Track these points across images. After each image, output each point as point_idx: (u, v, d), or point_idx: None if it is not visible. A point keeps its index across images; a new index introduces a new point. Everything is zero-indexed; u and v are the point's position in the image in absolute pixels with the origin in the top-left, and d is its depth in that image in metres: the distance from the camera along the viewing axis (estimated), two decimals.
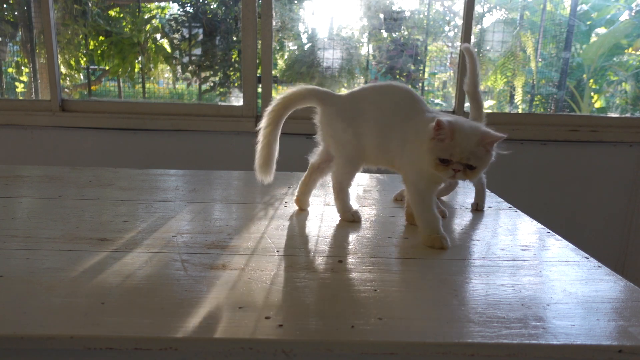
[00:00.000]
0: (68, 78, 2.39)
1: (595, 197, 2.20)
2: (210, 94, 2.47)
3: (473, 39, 2.17)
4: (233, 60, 2.40)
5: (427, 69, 2.52)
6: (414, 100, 0.93)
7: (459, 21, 2.27)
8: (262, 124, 0.99)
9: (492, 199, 1.24)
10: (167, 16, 2.48)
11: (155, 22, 2.46)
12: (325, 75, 2.39)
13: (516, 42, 2.46)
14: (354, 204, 1.09)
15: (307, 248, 0.86)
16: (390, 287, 0.70)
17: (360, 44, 2.47)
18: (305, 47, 2.44)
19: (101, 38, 2.41)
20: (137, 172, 1.43)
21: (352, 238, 0.92)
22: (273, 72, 2.14)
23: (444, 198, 1.23)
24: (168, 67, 2.49)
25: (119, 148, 2.13)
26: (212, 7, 2.43)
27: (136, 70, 2.44)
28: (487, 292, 0.69)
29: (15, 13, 2.36)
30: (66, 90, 2.38)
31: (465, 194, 1.30)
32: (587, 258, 0.84)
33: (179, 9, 2.47)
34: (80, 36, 2.38)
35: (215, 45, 2.40)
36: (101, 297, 0.64)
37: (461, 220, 1.06)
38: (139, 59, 2.41)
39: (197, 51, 2.43)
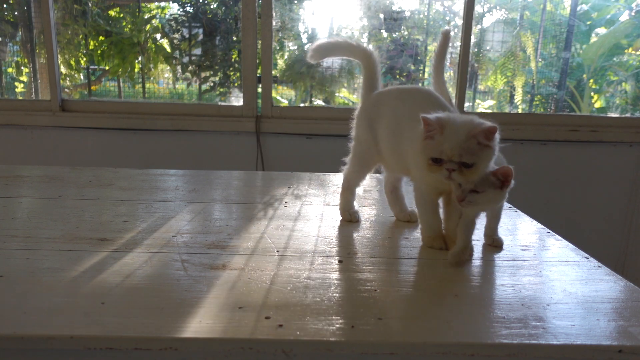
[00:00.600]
0: (68, 78, 2.39)
1: (595, 197, 2.20)
2: (210, 94, 2.47)
3: (473, 39, 2.17)
4: (233, 60, 2.40)
5: (427, 69, 2.52)
6: (432, 104, 0.87)
7: (459, 21, 2.27)
8: None
9: None
10: (167, 16, 2.48)
11: (155, 22, 2.46)
12: (325, 75, 2.39)
13: (516, 42, 2.46)
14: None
15: (307, 248, 0.86)
16: (390, 287, 0.70)
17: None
18: (305, 47, 2.44)
19: (101, 38, 2.41)
20: (137, 172, 1.43)
21: (352, 238, 0.92)
22: (273, 72, 2.14)
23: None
24: (168, 67, 2.49)
25: (119, 148, 2.13)
26: (212, 7, 2.43)
27: (136, 70, 2.44)
28: (487, 292, 0.69)
29: (15, 13, 2.36)
30: (66, 90, 2.38)
31: None
32: (587, 258, 0.84)
33: (179, 9, 2.47)
34: (80, 36, 2.38)
35: (215, 45, 2.40)
36: (101, 297, 0.64)
37: None
38: (139, 59, 2.41)
39: (197, 51, 2.43)
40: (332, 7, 2.40)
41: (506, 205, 1.18)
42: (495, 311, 0.63)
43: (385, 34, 2.43)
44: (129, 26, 2.41)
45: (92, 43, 2.43)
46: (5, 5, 2.35)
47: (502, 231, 0.99)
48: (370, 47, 1.01)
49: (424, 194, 0.87)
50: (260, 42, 2.09)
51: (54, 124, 2.10)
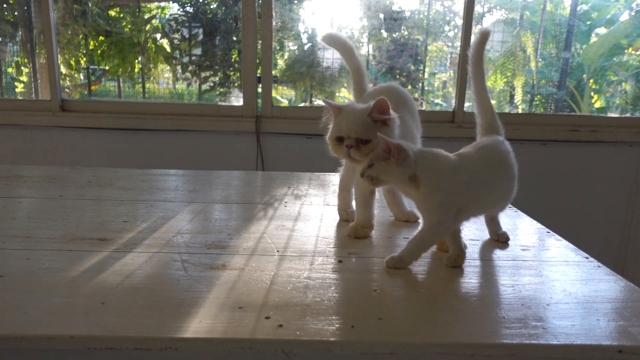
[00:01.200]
0: (68, 78, 2.39)
1: (595, 197, 2.20)
2: (210, 94, 2.47)
3: (473, 39, 2.17)
4: (233, 60, 2.40)
5: (427, 69, 2.52)
6: (398, 102, 0.92)
7: (459, 21, 2.28)
8: None
9: None
10: (167, 16, 2.48)
11: (155, 22, 2.46)
12: (325, 75, 2.39)
13: (516, 42, 2.46)
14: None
15: (307, 248, 0.86)
16: (390, 287, 0.70)
17: (360, 44, 2.47)
18: (305, 47, 2.44)
19: (101, 38, 2.41)
20: (137, 172, 1.43)
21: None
22: (273, 72, 2.14)
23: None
24: (168, 67, 2.49)
25: (119, 148, 2.13)
26: (212, 7, 2.43)
27: (136, 70, 2.44)
28: (487, 292, 0.69)
29: (15, 13, 2.36)
30: (66, 90, 2.38)
31: None
32: (587, 258, 0.84)
33: (179, 9, 2.47)
34: (80, 36, 2.38)
35: (215, 45, 2.40)
36: (101, 297, 0.64)
37: None
38: (139, 59, 2.41)
39: (197, 51, 2.43)
40: (332, 7, 2.40)
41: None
42: (495, 311, 0.63)
43: (385, 34, 2.43)
44: (129, 26, 2.41)
45: (92, 43, 2.43)
46: (5, 5, 2.35)
47: None
48: (371, 47, 1.01)
49: (358, 187, 0.93)
50: (260, 42, 2.09)
51: (54, 124, 2.10)
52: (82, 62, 2.42)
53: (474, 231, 0.97)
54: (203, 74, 2.46)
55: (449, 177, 0.75)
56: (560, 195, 2.20)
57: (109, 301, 0.63)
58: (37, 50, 2.31)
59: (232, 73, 2.42)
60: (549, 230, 0.99)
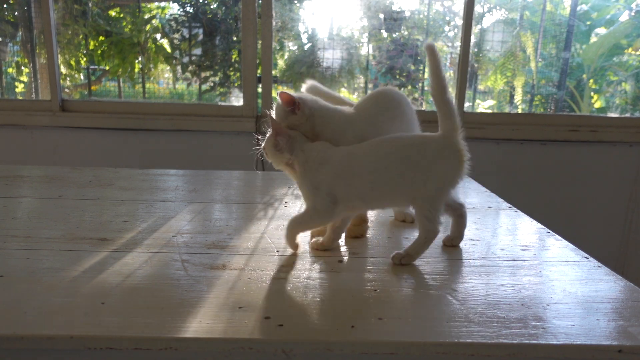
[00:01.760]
0: (68, 78, 2.39)
1: (595, 197, 2.20)
2: (210, 94, 2.47)
3: (473, 39, 2.17)
4: (233, 60, 2.40)
5: (427, 69, 2.52)
6: (388, 105, 0.93)
7: (459, 21, 2.28)
8: None
9: (492, 199, 1.24)
10: (167, 16, 2.48)
11: (155, 22, 2.46)
12: (325, 75, 2.39)
13: (516, 42, 2.46)
14: None
15: (307, 248, 0.86)
16: (390, 287, 0.70)
17: (360, 44, 2.47)
18: (305, 47, 2.44)
19: (101, 38, 2.41)
20: (137, 172, 1.43)
21: (352, 239, 0.92)
22: (273, 72, 2.14)
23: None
24: (168, 67, 2.49)
25: (119, 148, 2.13)
26: (212, 7, 2.43)
27: (136, 70, 2.44)
28: (487, 292, 0.69)
29: (16, 13, 2.36)
30: (66, 90, 2.38)
31: (465, 194, 1.30)
32: (587, 258, 0.84)
33: (179, 9, 2.47)
34: (81, 36, 2.38)
35: (215, 45, 2.40)
36: (101, 297, 0.64)
37: None
38: (139, 59, 2.41)
39: (197, 51, 2.43)
40: (332, 7, 2.40)
41: (506, 205, 1.18)
42: (495, 311, 0.63)
43: (385, 34, 2.43)
44: (129, 26, 2.41)
45: (92, 43, 2.43)
46: (5, 5, 2.35)
47: (502, 231, 0.99)
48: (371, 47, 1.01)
49: None
50: (260, 42, 2.09)
51: (54, 124, 2.10)
52: (82, 62, 2.42)
53: (474, 231, 0.98)
54: (203, 74, 2.46)
55: (315, 168, 0.82)
56: (560, 195, 2.20)
57: (109, 301, 0.63)
58: (37, 50, 2.31)
59: (232, 73, 2.42)
60: (549, 230, 0.99)
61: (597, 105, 2.64)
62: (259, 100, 2.14)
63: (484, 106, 2.59)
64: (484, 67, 2.48)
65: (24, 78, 2.41)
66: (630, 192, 2.20)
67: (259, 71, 2.12)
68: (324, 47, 2.37)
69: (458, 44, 2.21)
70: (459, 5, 2.33)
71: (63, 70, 2.32)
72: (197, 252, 0.82)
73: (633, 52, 2.62)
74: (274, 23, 2.09)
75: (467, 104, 2.16)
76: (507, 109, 2.54)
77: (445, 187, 0.82)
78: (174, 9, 2.49)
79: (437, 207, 0.81)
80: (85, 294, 0.65)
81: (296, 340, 0.56)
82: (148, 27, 2.41)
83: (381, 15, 2.39)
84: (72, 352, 0.56)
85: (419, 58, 2.46)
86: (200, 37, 2.39)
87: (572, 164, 2.18)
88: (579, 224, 2.23)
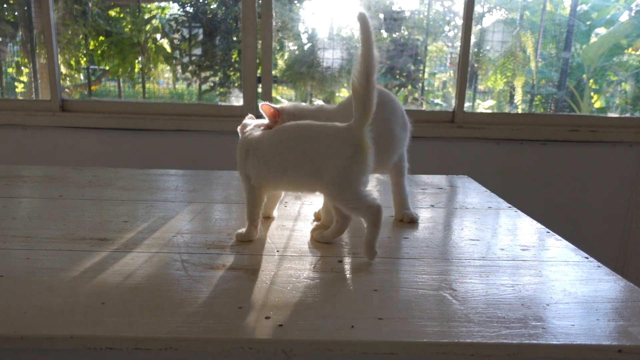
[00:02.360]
0: (68, 78, 2.39)
1: (595, 197, 2.20)
2: (210, 94, 2.47)
3: (473, 39, 2.17)
4: (233, 60, 2.40)
5: (427, 69, 2.52)
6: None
7: (459, 21, 2.28)
8: None
9: (492, 199, 1.24)
10: (167, 16, 2.48)
11: (155, 22, 2.46)
12: (325, 75, 2.39)
13: (516, 42, 2.46)
14: None
15: (307, 248, 0.86)
16: (390, 287, 0.70)
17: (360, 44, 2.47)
18: (305, 47, 2.44)
19: (101, 38, 2.41)
20: (137, 172, 1.43)
21: (352, 238, 0.92)
22: (273, 72, 2.14)
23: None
24: (168, 67, 2.49)
25: (119, 148, 2.13)
26: (212, 7, 2.43)
27: (136, 70, 2.44)
28: (487, 292, 0.69)
29: (16, 13, 2.36)
30: (66, 90, 2.38)
31: (465, 194, 1.30)
32: (587, 258, 0.84)
33: (179, 9, 2.47)
34: (81, 36, 2.38)
35: (215, 45, 2.40)
36: (101, 297, 0.64)
37: (461, 220, 1.06)
38: (139, 59, 2.41)
39: (197, 51, 2.43)
40: (332, 7, 2.40)
41: (506, 205, 1.18)
42: (495, 311, 0.63)
43: (385, 34, 2.43)
44: (129, 26, 2.41)
45: (92, 43, 2.43)
46: (5, 5, 2.36)
47: (502, 231, 0.99)
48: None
49: None
50: (260, 42, 2.09)
51: (54, 124, 2.10)
52: (82, 62, 2.42)
53: (474, 231, 0.98)
54: (203, 74, 2.46)
55: (239, 150, 0.93)
56: (560, 195, 2.20)
57: (109, 301, 0.63)
58: (37, 50, 2.31)
59: (232, 73, 2.42)
60: (549, 230, 0.99)
61: (597, 105, 2.64)
62: (259, 100, 2.14)
63: (484, 106, 2.59)
64: (484, 67, 2.48)
65: (24, 78, 2.41)
66: (630, 192, 2.20)
67: (259, 71, 2.12)
68: (324, 47, 2.37)
69: (458, 44, 2.21)
70: (459, 5, 2.33)
71: (63, 70, 2.32)
72: (197, 252, 0.82)
73: (633, 52, 2.62)
74: (274, 23, 2.10)
75: (467, 104, 2.16)
76: (507, 109, 2.54)
77: (347, 179, 0.81)
78: (174, 9, 2.49)
79: (345, 198, 0.82)
80: (85, 294, 0.65)
81: (296, 340, 0.56)
82: (148, 27, 2.42)
83: (381, 15, 2.39)
84: (72, 352, 0.56)
85: (419, 58, 2.46)
86: (200, 37, 2.39)
87: (572, 164, 2.18)
88: (579, 224, 2.23)
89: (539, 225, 1.03)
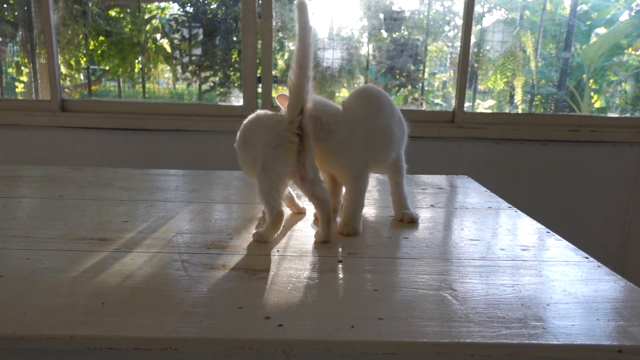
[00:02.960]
0: (68, 78, 2.39)
1: (595, 197, 2.20)
2: (210, 94, 2.47)
3: (473, 39, 2.17)
4: (233, 60, 2.40)
5: (427, 69, 2.52)
6: (372, 102, 0.97)
7: (459, 21, 2.28)
8: None
9: (492, 199, 1.24)
10: (167, 16, 2.48)
11: (155, 22, 2.46)
12: (325, 75, 2.39)
13: (516, 42, 2.46)
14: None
15: (307, 248, 0.86)
16: (390, 287, 0.70)
17: (360, 44, 2.48)
18: None
19: (101, 38, 2.41)
20: (137, 172, 1.43)
21: (352, 238, 0.92)
22: (273, 72, 2.14)
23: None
24: (168, 67, 2.49)
25: (119, 148, 2.13)
26: (212, 7, 2.43)
27: (136, 70, 2.44)
28: (487, 292, 0.69)
29: (16, 13, 2.36)
30: (66, 90, 2.38)
31: (465, 194, 1.30)
32: (587, 258, 0.84)
33: (179, 9, 2.47)
34: (81, 36, 2.38)
35: (215, 45, 2.40)
36: (101, 297, 0.64)
37: (461, 220, 1.06)
38: (139, 59, 2.41)
39: (197, 51, 2.43)
40: (332, 7, 2.40)
41: (506, 205, 1.18)
42: (495, 311, 0.63)
43: (385, 34, 2.43)
44: (129, 26, 2.41)
45: (92, 43, 2.43)
46: (5, 5, 2.35)
47: (502, 231, 0.99)
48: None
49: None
50: (260, 42, 2.09)
51: (54, 124, 2.10)
52: (82, 62, 2.42)
53: (474, 231, 0.98)
54: (203, 74, 2.46)
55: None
56: (560, 195, 2.20)
57: (109, 301, 0.63)
58: (37, 50, 2.31)
59: (232, 73, 2.42)
60: (549, 230, 0.99)
61: (597, 105, 2.64)
62: (259, 100, 2.14)
63: (484, 106, 2.59)
64: (484, 67, 2.48)
65: (24, 78, 2.41)
66: (630, 192, 2.20)
67: (259, 71, 2.12)
68: (324, 47, 2.37)
69: (458, 44, 2.21)
70: (459, 5, 2.33)
71: (63, 70, 2.32)
72: (197, 252, 0.82)
73: (633, 52, 2.62)
74: (274, 23, 2.10)
75: (467, 104, 2.16)
76: (507, 109, 2.54)
77: (265, 170, 0.84)
78: (174, 9, 2.49)
79: (260, 189, 0.86)
80: (85, 294, 0.65)
81: (296, 340, 0.56)
82: (148, 27, 2.42)
83: (381, 15, 2.39)
84: (72, 352, 0.56)
85: (419, 58, 2.46)
86: (200, 37, 2.39)
87: (572, 164, 2.18)
88: (579, 224, 2.23)
89: (539, 225, 1.03)
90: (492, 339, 0.57)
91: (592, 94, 2.65)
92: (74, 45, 2.38)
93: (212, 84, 2.46)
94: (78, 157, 2.13)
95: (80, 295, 0.65)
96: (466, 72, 2.13)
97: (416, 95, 2.53)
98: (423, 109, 2.44)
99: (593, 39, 2.64)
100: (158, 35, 2.44)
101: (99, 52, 2.42)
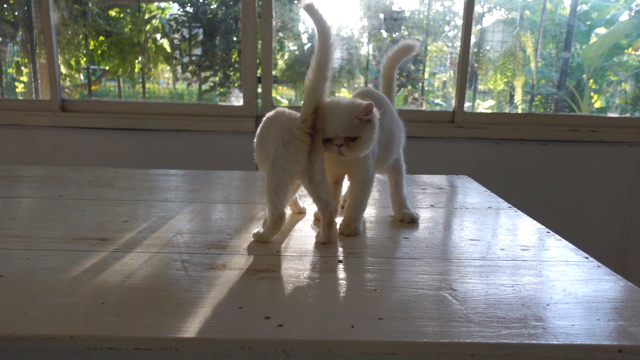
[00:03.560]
0: (68, 78, 2.39)
1: (595, 197, 2.20)
2: (210, 94, 2.47)
3: (473, 39, 2.17)
4: (233, 60, 2.40)
5: (427, 69, 2.52)
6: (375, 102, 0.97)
7: (459, 21, 2.28)
8: None
9: (492, 199, 1.24)
10: (167, 16, 2.48)
11: (155, 22, 2.46)
12: None
13: (516, 42, 2.46)
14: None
15: (307, 248, 0.86)
16: (390, 287, 0.70)
17: (360, 44, 2.48)
18: (305, 47, 2.44)
19: (101, 38, 2.41)
20: (137, 172, 1.43)
21: (352, 238, 0.92)
22: (273, 72, 2.14)
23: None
24: (168, 67, 2.49)
25: (119, 148, 2.13)
26: (212, 7, 2.43)
27: (136, 70, 2.44)
28: (487, 292, 0.69)
29: (16, 13, 2.36)
30: (66, 90, 2.38)
31: (465, 194, 1.30)
32: (587, 258, 0.84)
33: (179, 9, 2.47)
34: (80, 36, 2.38)
35: (215, 45, 2.40)
36: (101, 297, 0.64)
37: (461, 220, 1.06)
38: (139, 59, 2.41)
39: (197, 51, 2.43)
40: (332, 7, 2.40)
41: (506, 205, 1.18)
42: (495, 311, 0.63)
43: (385, 34, 2.43)
44: (129, 26, 2.41)
45: (92, 43, 2.43)
46: (5, 5, 2.35)
47: (502, 231, 0.99)
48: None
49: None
50: (260, 42, 2.09)
51: (54, 124, 2.10)
52: (82, 62, 2.42)
53: (474, 231, 0.98)
54: (203, 74, 2.46)
55: None
56: (560, 195, 2.20)
57: (109, 301, 0.63)
58: (37, 50, 2.31)
59: (232, 73, 2.42)
60: (549, 230, 0.99)
61: (597, 105, 2.64)
62: (259, 100, 2.14)
63: (484, 106, 2.59)
64: (484, 67, 2.48)
65: (24, 78, 2.41)
66: (630, 192, 2.20)
67: (259, 71, 2.12)
68: None
69: (458, 44, 2.21)
70: (459, 5, 2.33)
71: (63, 70, 2.32)
72: (197, 252, 0.82)
73: (633, 52, 2.62)
74: (274, 23, 2.10)
75: (467, 104, 2.16)
76: (507, 109, 2.54)
77: (274, 168, 0.85)
78: (174, 9, 2.49)
79: (268, 185, 0.86)
80: (85, 294, 0.65)
81: (296, 340, 0.56)
82: (148, 27, 2.42)
83: (381, 15, 2.39)
84: (72, 352, 0.56)
85: (419, 58, 2.46)
86: (200, 37, 2.39)
87: (572, 164, 2.18)
88: (579, 224, 2.23)
89: (539, 225, 1.03)
90: (492, 339, 0.57)
91: (592, 94, 2.65)
92: (74, 45, 2.38)
93: (212, 84, 2.46)
94: (78, 157, 2.13)
95: (80, 295, 0.65)
96: (466, 72, 2.13)
97: (416, 95, 2.53)
98: (423, 109, 2.44)
99: (593, 39, 2.64)
100: (158, 35, 2.44)
101: (99, 52, 2.42)
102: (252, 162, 0.98)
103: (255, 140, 0.93)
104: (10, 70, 2.39)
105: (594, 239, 2.24)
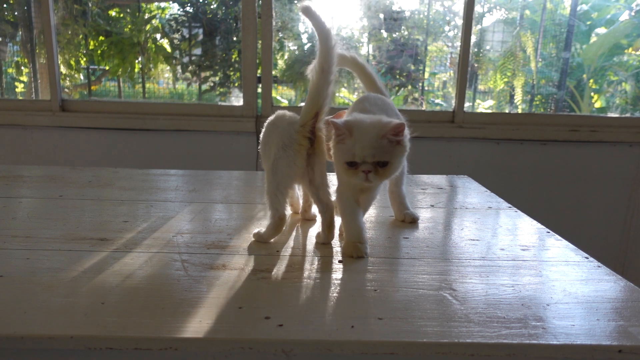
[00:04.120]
0: (68, 78, 2.39)
1: (595, 197, 2.20)
2: (210, 94, 2.47)
3: (473, 39, 2.17)
4: (233, 60, 2.40)
5: (427, 69, 2.52)
6: (375, 106, 0.94)
7: (459, 21, 2.28)
8: None
9: (492, 199, 1.24)
10: (167, 16, 2.48)
11: (155, 22, 2.46)
12: None
13: (516, 42, 2.46)
14: None
15: (307, 248, 0.86)
16: (390, 287, 0.70)
17: (360, 44, 2.48)
18: (305, 47, 2.44)
19: (101, 38, 2.41)
20: (137, 172, 1.43)
21: None
22: (273, 72, 2.14)
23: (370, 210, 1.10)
24: (168, 67, 2.49)
25: (119, 148, 2.13)
26: (212, 7, 2.43)
27: (136, 70, 2.44)
28: (487, 292, 0.69)
29: (15, 13, 2.36)
30: (66, 90, 2.38)
31: (465, 194, 1.30)
32: (587, 258, 0.84)
33: (179, 9, 2.47)
34: (80, 36, 2.38)
35: (215, 45, 2.40)
36: (101, 297, 0.64)
37: (461, 220, 1.06)
38: (139, 59, 2.41)
39: (197, 51, 2.43)
40: (332, 7, 2.40)
41: (506, 205, 1.18)
42: (495, 311, 0.63)
43: (385, 34, 2.43)
44: (129, 26, 2.41)
45: (92, 43, 2.43)
46: (5, 5, 2.35)
47: (502, 231, 0.99)
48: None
49: (345, 197, 0.85)
50: (260, 42, 2.09)
51: (54, 124, 2.10)
52: (82, 62, 2.42)
53: (474, 231, 0.98)
54: (203, 74, 2.46)
55: None
56: (560, 195, 2.20)
57: (109, 301, 0.63)
58: (37, 50, 2.31)
59: (232, 73, 2.42)
60: (549, 230, 0.99)
61: (597, 105, 2.64)
62: (259, 100, 2.14)
63: (484, 106, 2.59)
64: (484, 67, 2.48)
65: (24, 78, 2.41)
66: (630, 192, 2.20)
67: (259, 71, 2.12)
68: None
69: (458, 44, 2.21)
70: (459, 5, 2.33)
71: (63, 70, 2.32)
72: (197, 252, 0.82)
73: (633, 52, 2.62)
74: (274, 23, 2.09)
75: (467, 104, 2.16)
76: (507, 109, 2.54)
77: (273, 170, 0.85)
78: (174, 9, 2.49)
79: (267, 188, 0.86)
80: (85, 294, 0.65)
81: (296, 340, 0.56)
82: (148, 27, 2.42)
83: (381, 15, 2.39)
84: (72, 352, 0.56)
85: (419, 58, 2.46)
86: (200, 37, 2.39)
87: (572, 164, 2.18)
88: (579, 224, 2.23)
89: (539, 225, 1.03)
90: (492, 339, 0.57)
91: (592, 94, 2.65)
92: (74, 45, 2.38)
93: (212, 84, 2.46)
94: (78, 157, 2.13)
95: (80, 295, 0.65)
96: (466, 72, 2.13)
97: (416, 95, 2.53)
98: (423, 109, 2.44)
99: (593, 39, 2.64)
100: (158, 35, 2.44)
101: (99, 52, 2.42)
102: (252, 162, 0.98)
103: (259, 147, 0.94)
104: (10, 70, 2.39)
105: (594, 239, 2.24)
